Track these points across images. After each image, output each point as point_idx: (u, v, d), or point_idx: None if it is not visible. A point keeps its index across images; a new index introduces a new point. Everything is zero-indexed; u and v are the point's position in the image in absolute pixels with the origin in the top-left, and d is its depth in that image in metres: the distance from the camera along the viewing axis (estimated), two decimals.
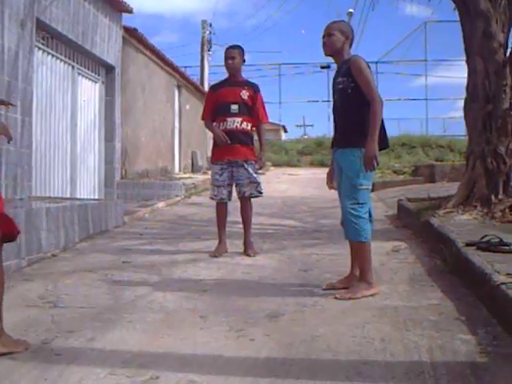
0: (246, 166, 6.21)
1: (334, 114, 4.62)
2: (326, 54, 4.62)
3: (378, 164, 4.23)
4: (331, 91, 4.66)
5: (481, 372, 2.82)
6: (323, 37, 4.55)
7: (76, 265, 5.64)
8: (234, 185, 6.31)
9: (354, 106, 4.35)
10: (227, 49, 6.29)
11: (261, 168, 6.37)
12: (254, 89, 6.31)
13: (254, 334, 3.43)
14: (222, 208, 6.35)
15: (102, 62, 11.70)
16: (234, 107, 6.19)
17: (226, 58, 6.23)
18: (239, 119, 6.20)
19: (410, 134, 28.16)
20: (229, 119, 6.19)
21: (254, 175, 6.24)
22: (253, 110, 6.28)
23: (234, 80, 6.31)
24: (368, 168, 4.22)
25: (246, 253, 6.14)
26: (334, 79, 4.60)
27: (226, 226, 6.39)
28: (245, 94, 6.22)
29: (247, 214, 6.35)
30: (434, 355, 3.04)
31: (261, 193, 6.33)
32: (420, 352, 3.08)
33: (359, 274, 4.40)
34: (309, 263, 5.64)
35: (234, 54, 6.21)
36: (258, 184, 6.28)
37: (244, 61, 6.34)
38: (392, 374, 2.79)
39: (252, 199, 6.35)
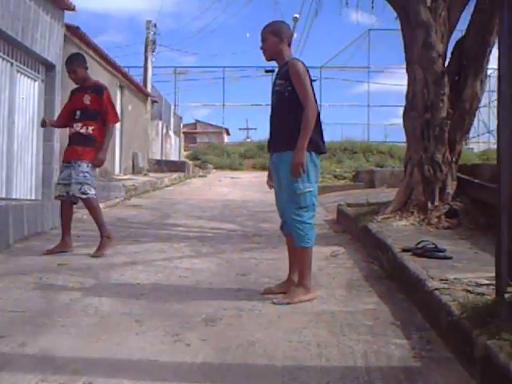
0: (75, 165, 6.22)
1: (270, 116, 4.57)
2: (267, 60, 4.61)
3: (304, 171, 4.23)
4: (271, 93, 4.64)
5: (414, 376, 2.87)
6: (260, 42, 4.53)
7: (9, 267, 5.49)
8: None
9: (291, 109, 4.31)
10: (65, 63, 6.45)
11: (96, 166, 6.36)
12: (96, 91, 6.34)
13: (190, 338, 3.40)
14: (62, 205, 6.43)
15: (42, 60, 11.45)
16: (78, 113, 6.36)
17: (67, 72, 6.43)
18: (80, 124, 6.31)
19: (352, 140, 28.65)
20: (74, 124, 6.35)
21: (81, 175, 6.21)
22: (101, 112, 6.31)
23: (81, 85, 6.44)
24: (295, 175, 4.22)
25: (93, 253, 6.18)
26: (274, 81, 4.58)
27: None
28: (87, 99, 6.30)
29: (90, 213, 6.41)
30: (369, 360, 3.07)
31: (84, 194, 6.24)
32: (355, 357, 3.11)
33: (298, 279, 4.40)
34: (247, 267, 5.63)
35: (72, 68, 6.37)
36: (82, 185, 6.23)
37: (87, 68, 6.48)
38: (327, 379, 2.80)
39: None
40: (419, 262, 4.64)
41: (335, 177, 20.21)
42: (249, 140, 42.14)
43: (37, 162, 11.58)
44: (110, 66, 17.36)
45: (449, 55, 7.96)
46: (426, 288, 3.82)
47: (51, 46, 11.56)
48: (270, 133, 4.58)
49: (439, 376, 2.86)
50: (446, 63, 7.88)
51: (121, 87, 19.23)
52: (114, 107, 6.45)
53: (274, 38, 4.45)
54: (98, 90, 6.33)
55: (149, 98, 24.56)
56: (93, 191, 6.29)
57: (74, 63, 6.36)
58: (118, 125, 18.79)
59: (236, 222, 9.72)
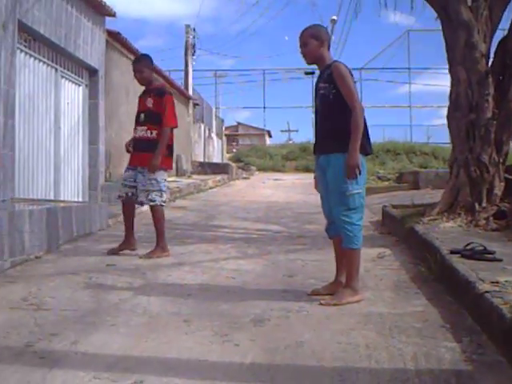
0: (144, 173, 6.25)
1: (315, 119, 4.59)
2: (308, 64, 4.60)
3: (360, 173, 4.22)
4: (314, 96, 4.64)
5: (465, 380, 2.83)
6: (300, 47, 4.51)
7: (59, 267, 5.60)
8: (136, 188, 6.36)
9: (336, 111, 4.31)
10: (133, 62, 6.49)
11: (151, 172, 6.21)
12: (159, 94, 6.33)
13: (238, 339, 3.42)
14: (124, 205, 6.47)
15: (86, 65, 11.64)
16: (142, 116, 6.38)
17: (134, 72, 6.39)
18: (144, 127, 6.31)
19: (394, 141, 28.42)
20: (138, 128, 6.38)
21: (148, 182, 6.24)
22: (161, 115, 6.27)
23: (146, 88, 6.48)
24: (350, 177, 4.21)
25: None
26: (317, 84, 4.56)
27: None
28: (150, 102, 6.31)
29: (154, 220, 6.37)
30: (419, 363, 3.04)
31: (152, 201, 6.25)
32: (405, 359, 3.08)
33: (345, 280, 4.39)
34: (293, 269, 5.64)
35: (140, 68, 6.37)
36: (149, 192, 6.24)
37: (153, 69, 6.51)
38: (377, 381, 2.79)
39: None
40: (468, 264, 4.57)
41: (379, 178, 20.06)
42: (291, 142, 42.14)
43: (83, 164, 11.78)
44: None
45: (492, 55, 7.84)
46: (477, 290, 3.75)
47: (93, 51, 11.74)
48: (316, 135, 4.60)
49: (491, 380, 2.82)
50: (490, 63, 7.77)
51: None
52: (174, 111, 6.38)
53: (315, 42, 4.44)
54: (161, 92, 6.35)
55: (190, 101, 24.75)
56: (161, 198, 6.29)
57: (142, 63, 6.40)
58: None
59: (281, 223, 9.73)
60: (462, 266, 4.48)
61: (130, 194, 6.35)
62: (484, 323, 3.52)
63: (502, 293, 3.59)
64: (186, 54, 27.21)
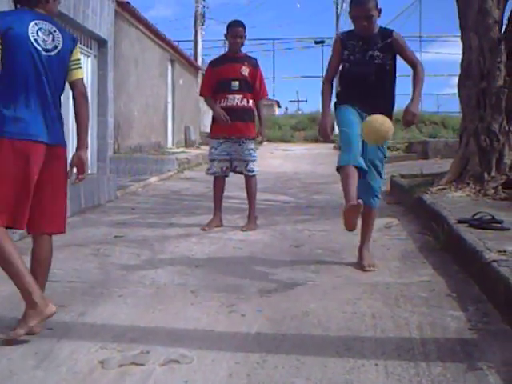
0: (240, 143, 6.18)
1: (362, 84, 4.40)
2: (364, 36, 4.39)
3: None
4: (351, 58, 4.41)
5: (470, 348, 2.84)
6: (362, 19, 4.26)
7: (68, 239, 5.56)
8: (230, 160, 6.25)
9: (392, 81, 4.49)
10: (234, 26, 6.20)
11: (261, 142, 6.36)
12: (253, 64, 6.27)
13: (245, 309, 3.44)
14: (217, 182, 6.32)
15: (95, 36, 11.54)
16: (235, 84, 6.16)
17: (234, 36, 6.18)
18: (239, 96, 6.16)
19: (403, 111, 28.13)
20: (229, 96, 6.16)
21: (246, 152, 6.19)
22: (253, 85, 6.24)
23: (234, 56, 6.29)
24: (410, 122, 4.41)
25: (243, 227, 6.13)
26: (365, 50, 4.36)
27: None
28: (245, 70, 6.18)
29: (249, 190, 6.31)
30: (424, 332, 3.05)
31: (251, 171, 6.23)
32: (410, 328, 3.10)
33: (365, 241, 4.55)
34: (301, 239, 5.64)
35: (241, 33, 6.20)
36: (248, 162, 6.21)
37: (246, 37, 6.33)
38: (382, 350, 2.81)
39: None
40: (476, 233, 4.56)
41: (388, 148, 19.93)
42: (300, 112, 41.91)
43: (91, 136, 11.72)
44: (161, 41, 17.41)
45: (505, 21, 7.72)
46: (484, 260, 3.75)
47: (102, 21, 11.63)
48: (361, 97, 4.40)
49: (496, 348, 2.83)
50: (503, 30, 7.65)
51: (171, 61, 19.30)
52: None
53: (377, 13, 4.31)
54: (255, 62, 6.31)
55: (199, 72, 24.59)
56: (257, 168, 6.33)
57: (243, 28, 6.21)
58: (169, 98, 18.95)
59: (289, 193, 9.71)
60: (470, 235, 4.48)
61: (224, 168, 6.26)
62: (490, 292, 3.53)
63: (509, 262, 3.59)
64: (195, 24, 27.00)
